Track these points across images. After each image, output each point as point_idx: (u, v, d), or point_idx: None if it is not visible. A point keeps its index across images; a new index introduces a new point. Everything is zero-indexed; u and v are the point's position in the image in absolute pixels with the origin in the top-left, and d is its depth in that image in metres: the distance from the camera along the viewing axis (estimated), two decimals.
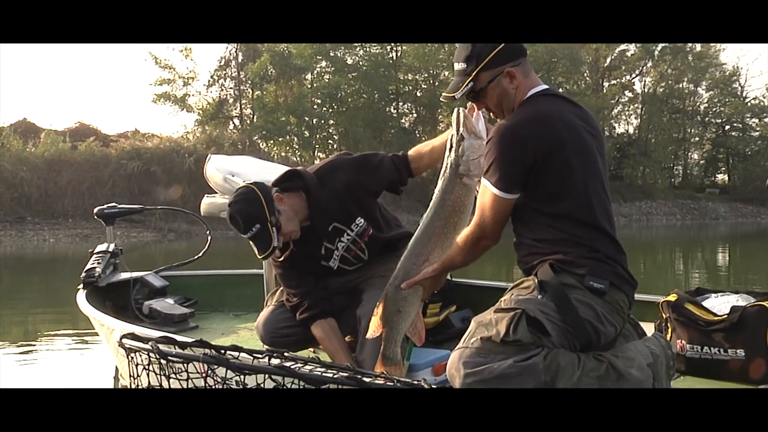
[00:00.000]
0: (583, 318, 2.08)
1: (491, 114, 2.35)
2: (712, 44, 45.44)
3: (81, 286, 4.20)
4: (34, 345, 6.10)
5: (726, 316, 2.66)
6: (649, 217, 37.84)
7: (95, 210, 4.71)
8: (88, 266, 4.35)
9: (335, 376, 1.46)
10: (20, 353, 5.72)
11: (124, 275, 4.50)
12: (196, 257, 4.87)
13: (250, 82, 34.16)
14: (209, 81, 34.47)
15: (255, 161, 4.19)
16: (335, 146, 36.36)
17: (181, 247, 18.77)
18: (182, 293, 4.61)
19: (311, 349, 3.39)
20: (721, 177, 48.68)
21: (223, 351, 1.79)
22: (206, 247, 4.88)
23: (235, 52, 34.41)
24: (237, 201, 2.86)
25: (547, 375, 1.98)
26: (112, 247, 4.57)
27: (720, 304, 2.77)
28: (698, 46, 45.29)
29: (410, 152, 2.98)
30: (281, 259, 3.05)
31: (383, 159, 3.03)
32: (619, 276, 2.21)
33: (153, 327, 3.84)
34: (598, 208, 2.22)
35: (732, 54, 71.08)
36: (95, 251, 4.55)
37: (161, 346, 1.52)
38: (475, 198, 2.28)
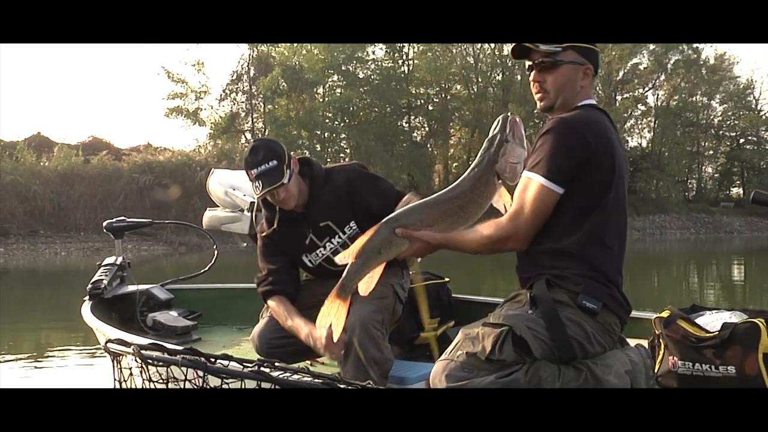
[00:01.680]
0: (571, 336, 2.10)
1: (539, 95, 2.31)
2: (725, 57, 45.47)
3: (87, 297, 4.27)
4: (45, 357, 6.18)
5: (717, 332, 2.69)
6: (663, 231, 37.67)
7: (104, 223, 4.78)
8: (95, 278, 4.42)
9: (312, 382, 1.50)
10: (31, 365, 5.80)
11: (131, 288, 4.56)
12: (202, 271, 4.93)
13: (261, 96, 34.38)
14: (221, 95, 34.79)
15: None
16: (347, 160, 36.42)
17: (191, 260, 18.87)
18: (187, 306, 4.67)
19: (309, 362, 3.44)
20: (736, 190, 48.41)
21: (213, 360, 1.84)
22: (212, 261, 4.93)
23: (247, 66, 34.70)
24: (263, 139, 3.07)
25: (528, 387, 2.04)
26: (120, 260, 4.64)
27: (713, 321, 2.79)
28: (711, 59, 45.30)
29: (405, 197, 3.02)
30: (264, 234, 3.12)
31: (392, 187, 3.12)
32: (614, 299, 2.24)
33: (156, 339, 3.89)
34: (615, 226, 2.25)
35: (746, 67, 70.87)
36: (103, 263, 4.62)
37: (146, 351, 1.57)
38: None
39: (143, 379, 1.59)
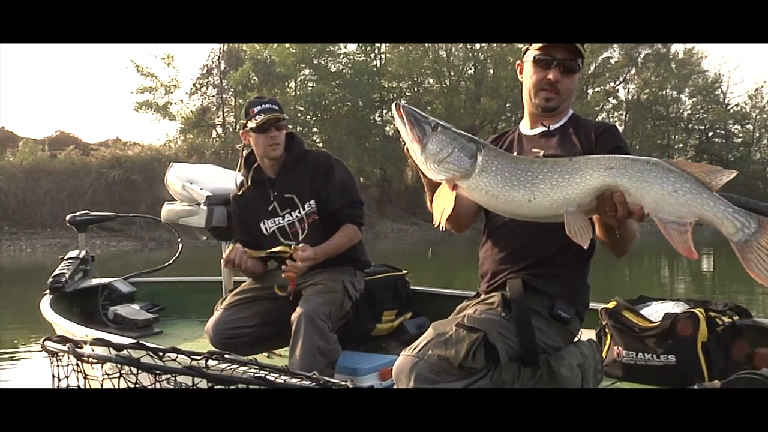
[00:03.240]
0: (539, 344, 2.14)
1: (549, 94, 2.28)
2: (694, 52, 46.12)
3: (47, 291, 4.27)
4: (11, 356, 6.14)
5: (659, 323, 2.79)
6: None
7: (67, 217, 4.77)
8: (56, 272, 4.42)
9: (244, 376, 1.53)
10: None
11: (94, 281, 4.56)
12: (166, 264, 4.96)
13: (232, 90, 34.17)
14: (191, 89, 34.49)
15: (217, 169, 4.29)
16: None
17: (161, 256, 18.67)
18: (150, 300, 4.71)
19: (266, 354, 3.49)
20: None
21: (161, 353, 1.87)
22: (177, 255, 4.97)
23: (218, 60, 34.47)
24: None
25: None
26: (83, 253, 4.64)
27: (657, 311, 2.89)
28: (681, 53, 45.94)
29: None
30: (235, 194, 3.39)
31: (354, 191, 3.31)
32: (585, 305, 2.31)
33: (116, 332, 3.92)
34: None
35: (714, 61, 71.81)
36: (65, 257, 4.62)
37: (80, 349, 1.59)
38: None
39: (82, 378, 1.61)
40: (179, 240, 4.91)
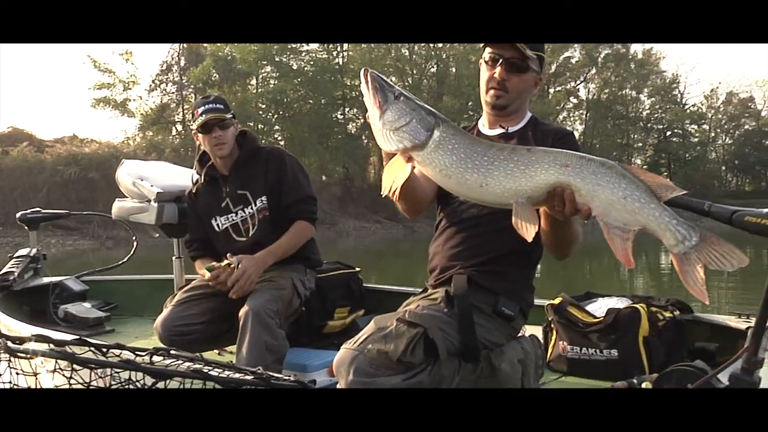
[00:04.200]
0: (480, 341, 2.15)
1: (497, 92, 2.29)
2: (652, 52, 46.99)
3: None
4: None
5: (602, 318, 2.86)
6: (594, 221, 38.38)
7: (18, 215, 4.71)
8: (5, 270, 4.35)
9: (182, 370, 1.53)
10: None
11: (45, 280, 4.51)
12: (120, 262, 4.92)
13: (192, 86, 33.89)
14: (151, 85, 34.21)
15: (169, 166, 4.27)
16: None
17: (119, 255, 18.37)
18: (103, 298, 4.66)
19: (217, 351, 3.50)
20: None
21: (105, 349, 1.85)
22: (131, 253, 4.93)
23: (178, 56, 34.16)
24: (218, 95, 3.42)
25: (430, 387, 2.08)
26: (33, 251, 4.57)
27: (602, 306, 2.96)
28: (640, 54, 46.78)
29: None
30: (190, 191, 3.42)
31: (306, 188, 3.30)
32: (528, 303, 2.33)
33: (66, 331, 3.88)
34: None
35: (672, 62, 73.11)
36: (15, 255, 4.56)
37: (14, 344, 1.57)
38: None
39: (19, 374, 1.59)
40: (134, 238, 4.88)
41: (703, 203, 2.37)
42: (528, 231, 1.72)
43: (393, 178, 1.85)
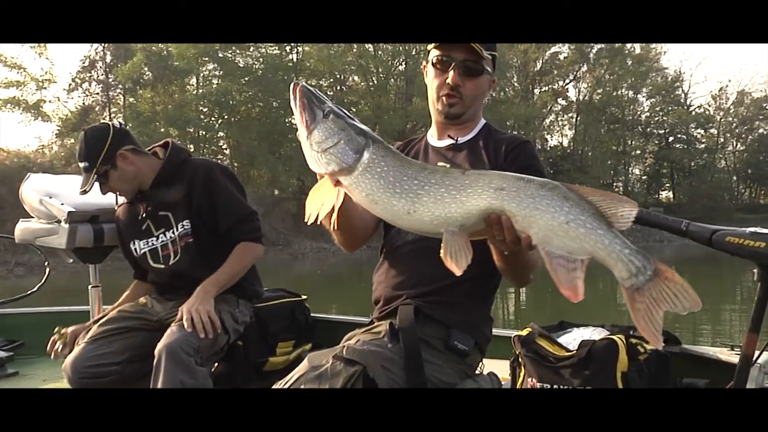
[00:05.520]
0: (429, 379, 2.15)
1: (452, 99, 2.35)
2: (652, 47, 47.73)
3: None
4: None
5: (575, 351, 2.90)
6: None
7: None
8: None
9: None
10: None
11: None
12: (29, 292, 4.85)
13: (121, 86, 33.68)
14: (70, 84, 33.93)
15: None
16: (226, 162, 36.05)
17: (31, 283, 18.20)
18: (6, 335, 4.61)
19: None
20: (666, 194, 50.86)
21: None
22: (42, 281, 4.87)
23: (102, 50, 33.92)
24: (91, 131, 3.33)
25: None
26: None
27: (576, 338, 3.00)
28: (638, 49, 47.44)
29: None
30: (117, 210, 3.49)
31: (241, 206, 3.29)
32: (486, 336, 2.35)
33: None
34: None
35: (674, 57, 74.45)
36: None
37: None
38: None
39: None
40: (46, 264, 4.84)
41: (680, 222, 2.46)
42: (458, 264, 1.71)
43: (320, 203, 1.86)
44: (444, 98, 2.34)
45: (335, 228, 2.17)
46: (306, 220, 1.92)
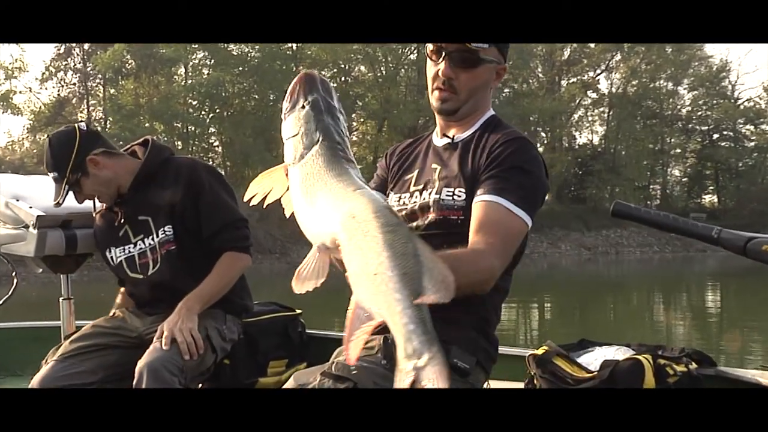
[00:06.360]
0: None
1: (444, 94, 2.36)
2: None
3: None
4: None
5: (596, 372, 2.92)
6: (619, 249, 39.01)
7: None
8: None
9: None
10: None
11: None
12: None
13: (100, 76, 33.79)
14: (44, 74, 34.01)
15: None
16: (218, 161, 36.17)
17: None
18: None
19: None
20: (709, 198, 50.60)
21: None
22: (10, 293, 4.88)
23: None
24: (56, 138, 3.36)
25: None
26: None
27: (598, 358, 3.03)
28: None
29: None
30: (95, 214, 3.49)
31: (230, 211, 3.31)
32: (489, 354, 2.37)
33: None
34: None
35: (720, 45, 74.04)
36: None
37: None
38: None
39: None
40: (14, 273, 4.86)
41: (711, 229, 2.48)
42: (299, 283, 1.73)
43: (268, 189, 1.93)
44: (436, 92, 2.37)
45: None
46: (244, 200, 1.99)
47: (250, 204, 2.00)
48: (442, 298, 1.57)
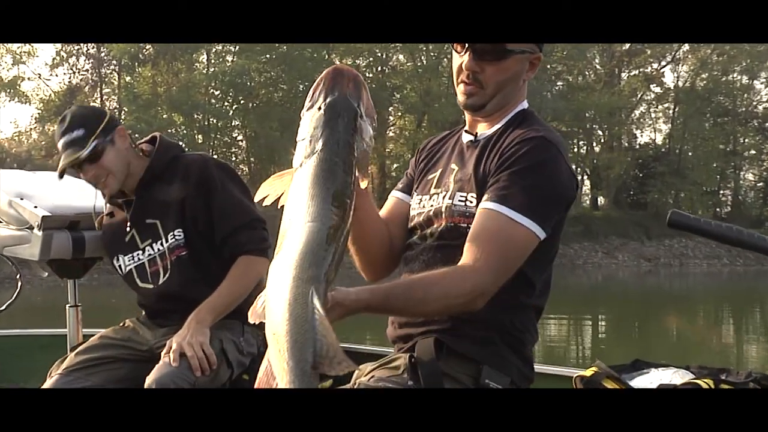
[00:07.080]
0: None
1: (469, 87, 2.35)
2: None
3: None
4: None
5: None
6: (684, 260, 38.61)
7: None
8: None
9: None
10: None
11: None
12: None
13: (115, 62, 34.02)
14: (54, 60, 34.25)
15: (65, 179, 4.28)
16: (241, 157, 36.29)
17: (2, 298, 18.53)
18: None
19: None
20: None
21: None
22: (14, 297, 4.93)
23: None
24: (83, 107, 3.30)
25: None
26: None
27: (653, 381, 3.01)
28: None
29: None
30: (103, 218, 3.48)
31: (245, 212, 3.28)
32: (524, 376, 2.37)
33: None
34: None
35: None
36: None
37: None
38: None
39: None
40: (18, 276, 4.91)
41: (753, 235, 2.46)
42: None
43: (279, 192, 1.97)
44: (461, 86, 2.37)
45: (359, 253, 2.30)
46: (255, 200, 2.07)
47: (263, 205, 2.04)
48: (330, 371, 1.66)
